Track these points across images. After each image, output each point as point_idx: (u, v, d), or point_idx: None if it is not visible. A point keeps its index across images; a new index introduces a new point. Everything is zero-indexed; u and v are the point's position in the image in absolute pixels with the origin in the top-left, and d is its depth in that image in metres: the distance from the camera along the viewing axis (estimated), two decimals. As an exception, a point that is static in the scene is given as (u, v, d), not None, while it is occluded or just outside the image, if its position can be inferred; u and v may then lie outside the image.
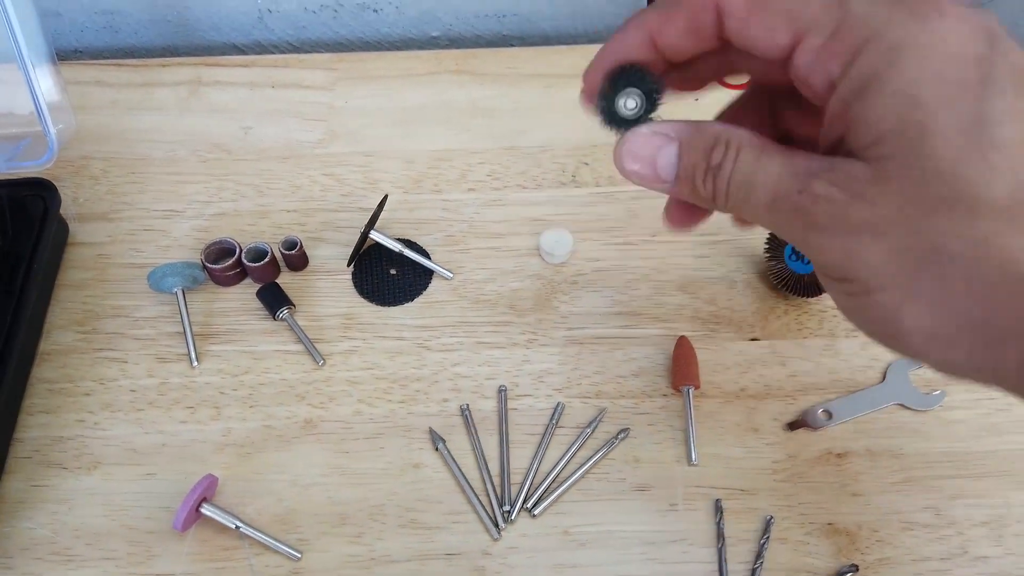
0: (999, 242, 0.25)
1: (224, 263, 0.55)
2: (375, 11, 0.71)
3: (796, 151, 0.29)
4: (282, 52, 0.76)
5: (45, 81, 0.55)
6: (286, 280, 0.57)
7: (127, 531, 0.47)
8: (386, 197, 0.56)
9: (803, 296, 0.54)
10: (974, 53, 0.26)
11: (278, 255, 0.56)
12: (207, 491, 0.46)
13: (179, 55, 0.74)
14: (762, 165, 0.29)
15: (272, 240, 0.56)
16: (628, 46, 0.32)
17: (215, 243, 0.56)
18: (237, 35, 0.74)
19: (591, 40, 0.75)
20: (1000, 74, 0.26)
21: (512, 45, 0.75)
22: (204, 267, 0.55)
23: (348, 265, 0.56)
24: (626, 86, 0.32)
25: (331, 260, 0.58)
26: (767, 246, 0.55)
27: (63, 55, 0.73)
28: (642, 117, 0.33)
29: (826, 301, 0.55)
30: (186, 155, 0.64)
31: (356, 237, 0.56)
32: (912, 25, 0.26)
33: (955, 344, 0.27)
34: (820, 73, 0.28)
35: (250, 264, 0.54)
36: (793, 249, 0.53)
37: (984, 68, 0.26)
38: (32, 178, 0.56)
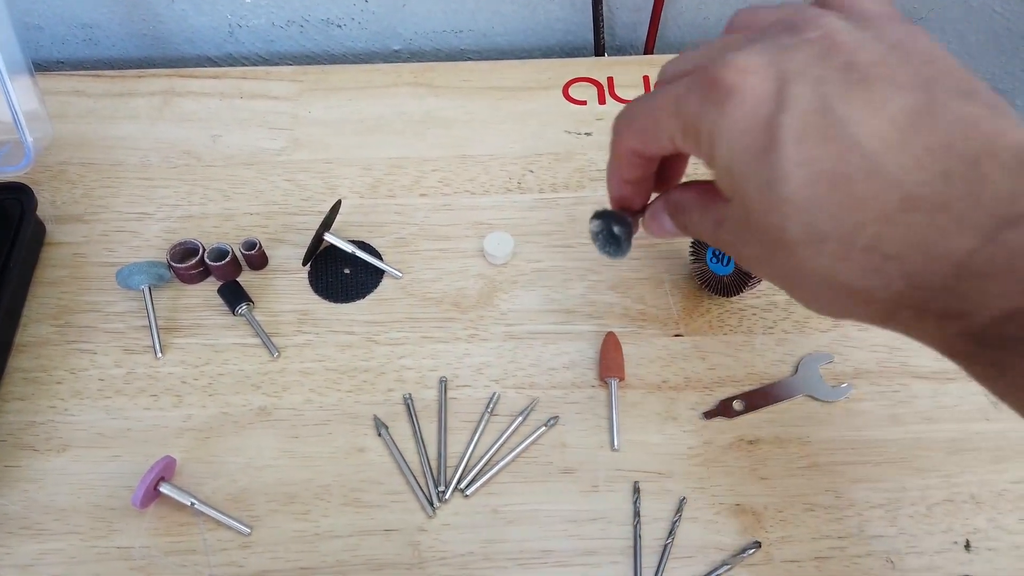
0: (810, 265, 0.33)
1: (188, 262, 0.59)
2: (339, 26, 0.75)
3: (713, 203, 0.39)
4: (252, 64, 0.80)
5: (22, 91, 0.59)
6: (247, 278, 0.61)
7: (92, 508, 0.51)
8: (339, 202, 0.61)
9: (723, 295, 0.58)
10: (764, 119, 0.33)
11: (239, 255, 0.60)
12: (165, 471, 0.50)
13: (155, 66, 0.79)
14: (700, 216, 0.41)
15: (235, 241, 0.60)
16: (620, 187, 0.46)
17: (180, 244, 0.60)
18: (210, 48, 0.78)
19: (544, 54, 0.79)
20: (783, 134, 0.32)
21: (469, 59, 0.79)
22: (170, 266, 0.59)
23: (304, 264, 0.60)
24: (614, 219, 0.48)
25: (290, 260, 0.62)
26: (691, 249, 0.59)
27: (45, 66, 0.78)
28: (623, 237, 0.48)
29: (746, 300, 0.59)
30: (158, 161, 0.68)
31: (318, 241, 0.60)
32: (713, 113, 0.34)
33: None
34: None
35: (212, 263, 0.59)
36: (714, 252, 0.57)
37: (771, 132, 0.32)
38: (11, 182, 0.60)
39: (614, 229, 0.50)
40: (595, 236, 0.51)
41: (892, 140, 0.32)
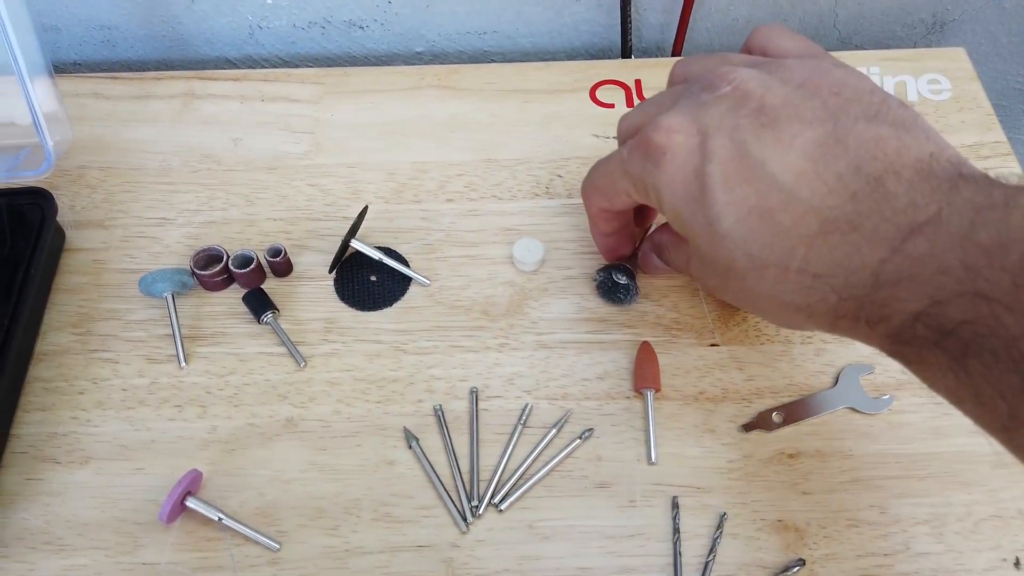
0: (757, 289, 0.39)
1: (212, 269, 0.57)
2: (361, 28, 0.74)
3: (683, 242, 0.47)
4: (273, 66, 0.79)
5: (42, 93, 0.58)
6: (271, 286, 0.59)
7: (116, 522, 0.49)
8: (366, 208, 0.59)
9: (761, 304, 0.57)
10: (694, 170, 0.40)
11: (263, 262, 0.59)
12: (192, 485, 0.49)
13: (174, 68, 0.77)
14: (675, 253, 0.51)
15: (258, 247, 0.59)
16: (604, 240, 0.57)
17: (204, 250, 0.58)
18: (229, 49, 0.77)
19: (569, 56, 0.78)
20: (711, 181, 0.39)
21: (493, 61, 0.78)
22: (193, 273, 0.58)
23: (330, 272, 0.59)
24: (615, 269, 0.57)
25: (314, 267, 0.60)
26: (728, 256, 0.58)
27: (63, 68, 0.77)
28: (629, 283, 0.56)
29: (784, 309, 0.58)
30: (178, 165, 0.66)
31: (338, 245, 0.59)
32: (653, 171, 0.41)
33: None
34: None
35: (236, 270, 0.57)
36: (751, 260, 0.56)
37: (701, 180, 0.39)
38: (31, 187, 0.59)
39: (617, 278, 0.57)
40: (600, 288, 0.58)
41: (806, 171, 0.36)
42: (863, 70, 0.71)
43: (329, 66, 0.78)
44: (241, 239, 0.62)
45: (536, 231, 0.62)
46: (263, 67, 0.79)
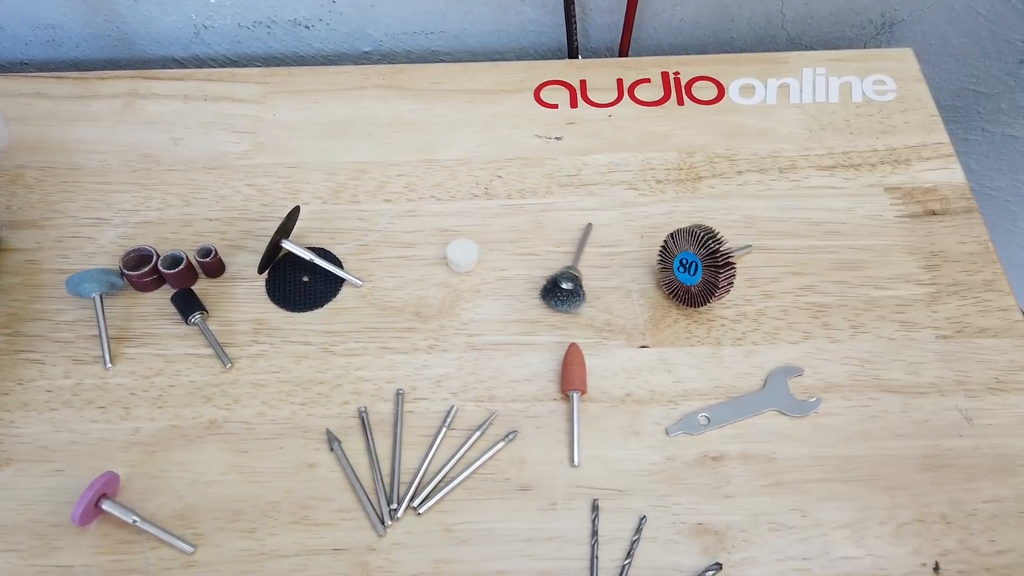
0: None
1: (141, 270, 0.57)
2: (307, 27, 0.74)
3: None
4: (219, 66, 0.78)
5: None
6: (203, 286, 0.59)
7: (33, 524, 0.49)
8: (297, 208, 0.59)
9: (691, 306, 0.57)
10: None
11: (194, 262, 0.58)
12: (107, 487, 0.49)
13: (120, 68, 0.77)
14: None
15: (193, 248, 0.59)
16: None
17: (134, 250, 0.58)
18: (176, 49, 0.76)
19: (517, 56, 0.78)
20: None
21: (441, 60, 0.78)
22: (122, 274, 0.57)
23: (259, 272, 0.59)
24: (561, 276, 0.57)
25: (248, 268, 0.60)
26: (660, 257, 0.57)
27: (8, 68, 0.76)
28: (576, 289, 0.57)
29: (715, 311, 0.58)
30: (117, 165, 0.66)
31: (277, 248, 0.59)
32: None
33: None
34: None
35: (166, 271, 0.57)
36: (681, 262, 0.55)
37: None
38: (-39, 187, 0.59)
39: (563, 284, 0.56)
40: (546, 295, 0.57)
41: None
42: (809, 71, 0.71)
43: (277, 66, 0.78)
44: (176, 239, 0.62)
45: (473, 232, 0.62)
46: (210, 67, 0.78)
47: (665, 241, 0.57)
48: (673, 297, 0.57)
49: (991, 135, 0.89)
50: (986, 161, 0.93)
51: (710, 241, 0.54)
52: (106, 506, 0.48)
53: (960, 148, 0.91)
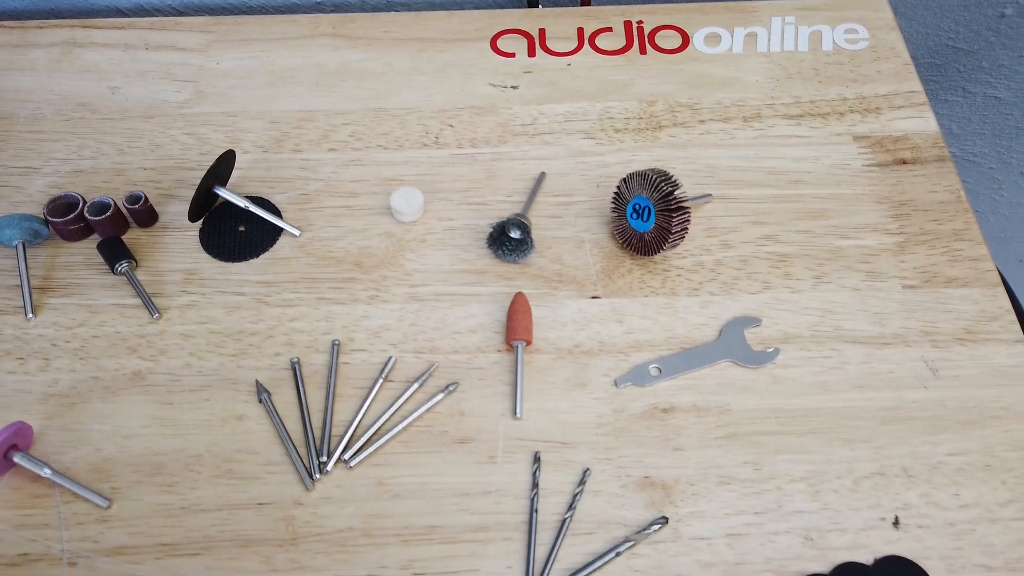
0: None
1: (67, 217, 0.54)
2: (256, -26, 0.71)
3: None
4: (165, 15, 0.75)
5: None
6: (134, 236, 0.56)
7: (-60, 478, 0.46)
8: (232, 153, 0.56)
9: (644, 254, 0.54)
10: None
11: (124, 210, 0.56)
12: (18, 438, 0.46)
13: (62, 17, 0.74)
14: None
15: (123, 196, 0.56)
16: None
17: (59, 197, 0.55)
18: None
19: (475, 5, 0.75)
20: None
21: (396, 10, 0.75)
22: (47, 221, 0.55)
23: (192, 220, 0.56)
24: (509, 224, 0.54)
25: (181, 217, 0.57)
26: (613, 204, 0.55)
27: (-57, 16, 0.73)
28: (524, 238, 0.54)
29: (671, 261, 0.55)
30: (51, 114, 0.63)
31: (211, 195, 0.56)
32: None
33: None
34: None
35: (93, 218, 0.54)
36: (634, 207, 0.53)
37: None
38: None
39: (510, 232, 0.53)
40: (492, 243, 0.54)
41: None
42: (778, 20, 0.68)
43: (224, 15, 0.75)
44: (107, 188, 0.59)
45: (421, 182, 0.59)
46: (155, 15, 0.75)
47: (618, 186, 0.54)
48: (627, 246, 0.55)
49: (972, 96, 0.86)
50: (968, 125, 0.90)
51: (663, 184, 0.51)
52: (17, 458, 0.45)
53: (941, 111, 0.88)
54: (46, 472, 0.45)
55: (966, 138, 0.92)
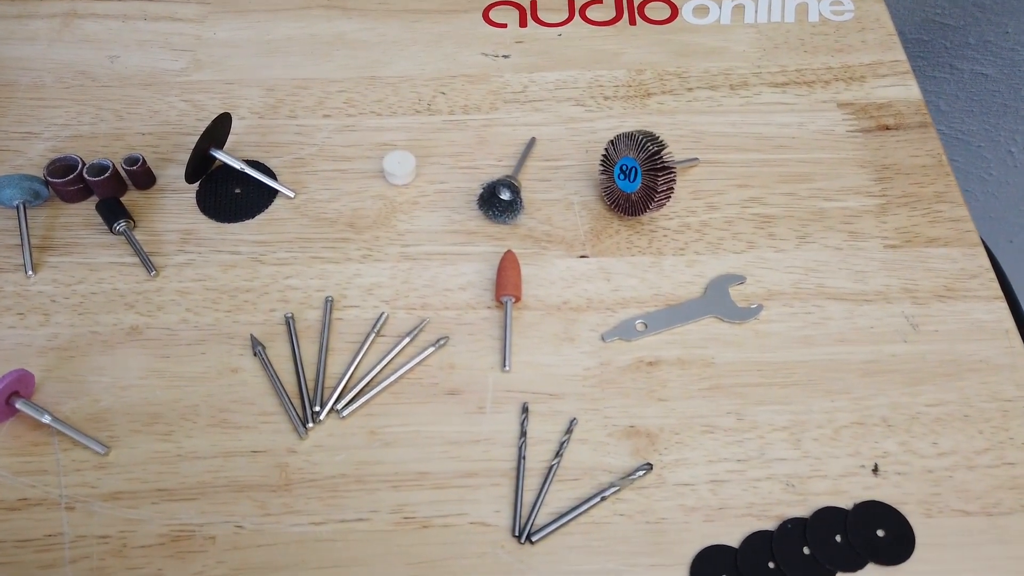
0: None
1: (66, 178, 0.55)
2: (252, -52, 0.72)
3: None
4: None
5: None
6: (132, 198, 0.57)
7: (-58, 427, 0.47)
8: (228, 115, 0.57)
9: (632, 215, 0.55)
10: None
11: (122, 171, 0.57)
12: (20, 385, 0.47)
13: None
14: None
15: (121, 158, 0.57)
16: None
17: (59, 159, 0.56)
18: (119, -28, 0.74)
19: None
20: None
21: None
22: (47, 182, 0.56)
23: (188, 182, 0.57)
24: (499, 185, 0.55)
25: (179, 180, 0.58)
26: (602, 166, 0.56)
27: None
28: (514, 199, 0.55)
29: (658, 222, 0.56)
30: (51, 82, 0.64)
31: (208, 158, 0.57)
32: None
33: None
34: None
35: (92, 179, 0.55)
36: (621, 169, 0.54)
37: None
38: None
39: (500, 193, 0.54)
40: (482, 204, 0.55)
41: None
42: (765, -9, 0.69)
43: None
44: (107, 152, 0.60)
45: (413, 147, 0.60)
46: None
47: (606, 148, 0.55)
48: (614, 207, 0.56)
49: (959, 72, 0.87)
50: (956, 102, 0.91)
51: (649, 144, 0.52)
52: (19, 404, 0.47)
53: (928, 87, 0.89)
54: (46, 418, 0.46)
55: (954, 115, 0.93)
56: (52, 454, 0.47)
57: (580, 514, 0.44)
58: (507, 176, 0.56)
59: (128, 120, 0.62)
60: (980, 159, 0.98)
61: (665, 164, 0.52)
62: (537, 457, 0.46)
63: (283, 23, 0.68)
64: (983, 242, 0.56)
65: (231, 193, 0.57)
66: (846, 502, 0.45)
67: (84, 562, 0.43)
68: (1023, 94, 0.88)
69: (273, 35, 0.67)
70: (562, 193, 0.58)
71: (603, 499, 0.45)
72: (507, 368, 0.49)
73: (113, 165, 0.56)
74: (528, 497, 0.45)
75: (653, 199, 0.53)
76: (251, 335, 0.51)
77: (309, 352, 0.50)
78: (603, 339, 0.51)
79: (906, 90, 0.63)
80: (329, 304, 0.52)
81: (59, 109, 0.62)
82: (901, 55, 0.65)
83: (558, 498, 0.45)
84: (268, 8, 0.69)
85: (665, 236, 0.55)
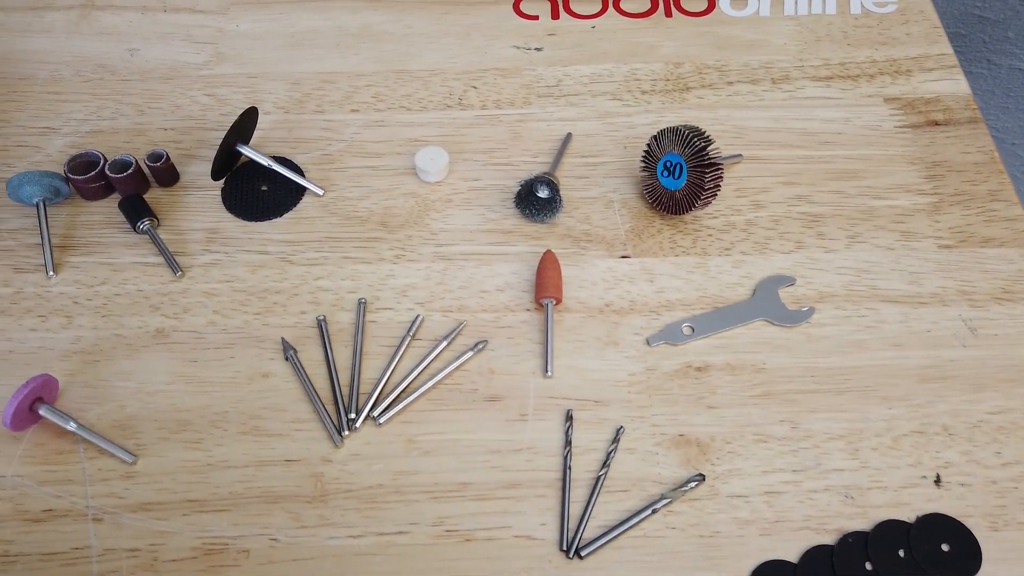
0: None
1: (88, 175, 0.53)
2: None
3: None
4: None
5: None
6: (156, 195, 0.55)
7: (-38, 434, 0.45)
8: (255, 110, 0.55)
9: (675, 213, 0.53)
10: None
11: (145, 168, 0.55)
12: (44, 391, 0.45)
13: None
14: None
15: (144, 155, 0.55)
16: None
17: (80, 155, 0.54)
18: (137, -37, 0.72)
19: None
20: None
21: (417, -25, 0.74)
22: (67, 179, 0.54)
23: (214, 179, 0.55)
24: (537, 183, 0.53)
25: (203, 176, 0.56)
26: (643, 164, 0.54)
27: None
28: (553, 197, 0.53)
29: (701, 221, 0.54)
30: (70, 75, 0.62)
31: (223, 149, 0.55)
32: None
33: None
34: None
35: (114, 176, 0.53)
36: (665, 165, 0.52)
37: None
38: None
39: (538, 191, 0.52)
40: (520, 202, 0.53)
41: None
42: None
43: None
44: (128, 148, 0.58)
45: (445, 142, 0.58)
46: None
47: (649, 143, 0.53)
48: (657, 205, 0.54)
49: (997, 67, 0.85)
50: (992, 98, 0.89)
51: (696, 139, 0.50)
52: (43, 411, 0.45)
53: (964, 83, 0.87)
54: (71, 426, 0.45)
55: (990, 112, 0.91)
56: (78, 463, 0.45)
57: (630, 527, 0.42)
58: (544, 173, 0.54)
59: (149, 115, 0.60)
60: (1015, 157, 0.96)
61: (712, 160, 0.50)
62: (583, 467, 0.44)
63: (307, 15, 0.66)
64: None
65: (258, 190, 0.55)
66: (908, 515, 0.43)
67: (113, 577, 0.41)
68: (1061, 89, 0.85)
69: (297, 27, 0.65)
70: (601, 191, 0.56)
71: (654, 511, 0.43)
72: (549, 373, 0.47)
73: (136, 161, 0.54)
74: (575, 509, 0.43)
75: (700, 197, 0.51)
76: (282, 338, 0.49)
77: (342, 356, 0.48)
78: (648, 343, 0.49)
79: (954, 84, 0.61)
80: (362, 306, 0.50)
81: (78, 103, 0.60)
82: (947, 48, 0.63)
83: (606, 510, 0.43)
84: (290, 0, 0.67)
85: (710, 235, 0.53)
